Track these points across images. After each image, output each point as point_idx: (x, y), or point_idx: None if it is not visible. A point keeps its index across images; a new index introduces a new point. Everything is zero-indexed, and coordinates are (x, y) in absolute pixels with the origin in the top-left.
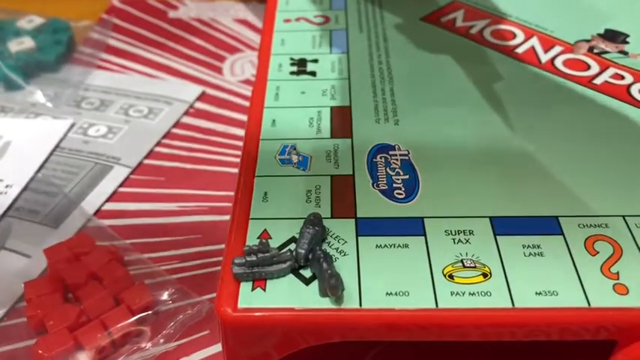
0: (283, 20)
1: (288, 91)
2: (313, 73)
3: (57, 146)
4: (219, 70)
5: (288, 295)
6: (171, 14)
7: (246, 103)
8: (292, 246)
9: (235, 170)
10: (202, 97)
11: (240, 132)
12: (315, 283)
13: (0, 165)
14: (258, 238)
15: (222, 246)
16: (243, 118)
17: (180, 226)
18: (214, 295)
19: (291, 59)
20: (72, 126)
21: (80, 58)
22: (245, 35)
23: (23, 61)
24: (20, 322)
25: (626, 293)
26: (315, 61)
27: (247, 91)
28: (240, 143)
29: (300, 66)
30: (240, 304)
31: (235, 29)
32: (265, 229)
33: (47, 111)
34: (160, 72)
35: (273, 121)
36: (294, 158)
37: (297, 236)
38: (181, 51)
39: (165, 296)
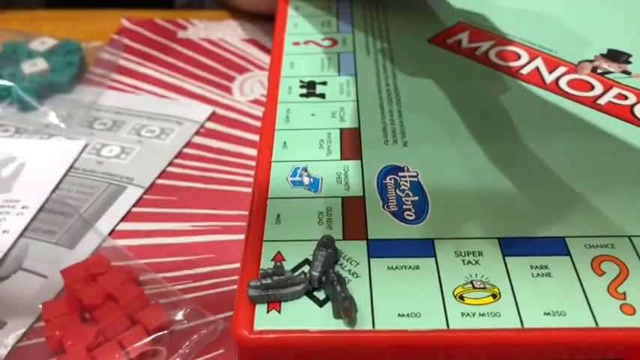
0: (292, 43)
1: (299, 113)
2: (322, 96)
3: (71, 167)
4: (228, 90)
5: (303, 317)
6: (181, 34)
7: (256, 123)
8: (306, 268)
9: (246, 189)
10: (213, 116)
11: (251, 151)
12: (328, 305)
13: (16, 186)
14: (272, 260)
15: (235, 265)
16: (254, 137)
17: (193, 246)
18: (228, 314)
19: (301, 82)
20: (85, 146)
21: (92, 79)
22: (253, 55)
23: (37, 82)
24: (39, 342)
25: (633, 313)
26: (324, 83)
27: (257, 110)
28: (251, 162)
29: (310, 88)
30: (256, 326)
31: (243, 49)
32: (279, 251)
33: (61, 132)
34: (170, 92)
35: (284, 143)
36: (306, 180)
37: (310, 258)
38: (191, 71)
39: (179, 316)
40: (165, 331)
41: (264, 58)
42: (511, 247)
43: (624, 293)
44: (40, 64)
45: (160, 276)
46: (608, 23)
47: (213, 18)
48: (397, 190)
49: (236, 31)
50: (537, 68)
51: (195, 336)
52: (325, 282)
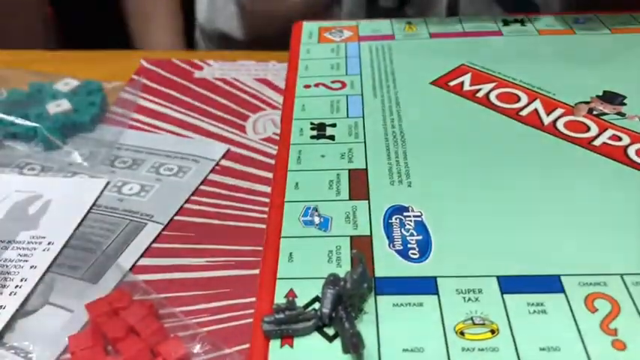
0: (303, 86)
1: (310, 154)
2: (332, 137)
3: (94, 204)
4: (242, 129)
5: (314, 352)
6: (197, 74)
7: (269, 160)
8: (317, 305)
9: (260, 225)
10: (227, 154)
11: (264, 188)
12: (338, 340)
13: (42, 223)
14: (285, 297)
15: (250, 299)
16: (266, 174)
17: (210, 281)
18: (244, 346)
19: (312, 124)
20: (107, 184)
21: (113, 118)
22: (265, 94)
23: (61, 122)
24: None
25: (624, 349)
26: (334, 125)
27: (269, 148)
28: (264, 199)
29: (320, 130)
30: None
31: (256, 88)
32: (291, 289)
33: (83, 170)
34: (187, 130)
35: (296, 183)
36: (316, 220)
37: (320, 295)
38: (207, 110)
39: (197, 349)
40: None
41: (276, 97)
42: (509, 284)
43: (615, 329)
44: (64, 105)
45: (178, 310)
46: (604, 66)
47: (228, 58)
48: (402, 230)
49: (249, 71)
50: (536, 110)
51: None
52: (335, 319)
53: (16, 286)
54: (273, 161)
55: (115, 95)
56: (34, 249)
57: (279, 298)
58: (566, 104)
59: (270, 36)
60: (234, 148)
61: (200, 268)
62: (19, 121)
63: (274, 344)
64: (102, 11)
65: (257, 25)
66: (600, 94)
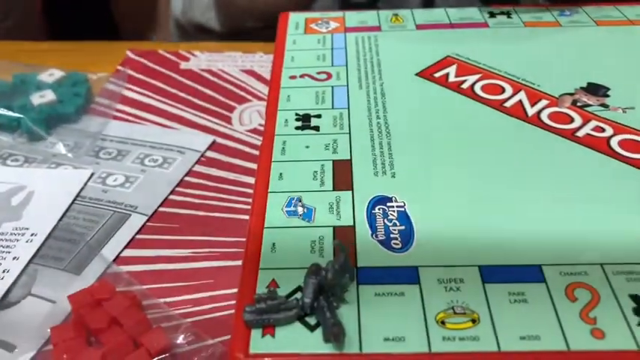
0: (289, 77)
1: (294, 145)
2: (317, 128)
3: (78, 195)
4: (228, 120)
5: (295, 342)
6: (183, 65)
7: (255, 152)
8: (299, 295)
9: (245, 217)
10: (213, 146)
11: (249, 180)
12: (319, 330)
13: (25, 214)
14: (266, 287)
15: (233, 290)
16: (252, 166)
17: (194, 272)
18: (227, 337)
19: (297, 114)
20: (91, 175)
21: (98, 109)
22: (252, 85)
23: (45, 113)
24: None
25: (603, 337)
26: (319, 116)
27: (255, 140)
28: (249, 190)
29: (305, 121)
30: (252, 350)
31: (242, 79)
32: (274, 279)
33: (68, 161)
34: (172, 122)
35: (280, 174)
36: (300, 210)
37: (302, 285)
38: (192, 101)
39: (180, 339)
40: (167, 354)
41: (262, 89)
42: (490, 274)
43: (595, 318)
44: (48, 96)
45: (161, 301)
46: (588, 58)
47: (214, 49)
48: (385, 220)
49: (236, 63)
50: (520, 101)
51: (195, 359)
52: (316, 308)
53: None
54: (258, 152)
55: (100, 86)
56: (17, 240)
57: (261, 288)
58: (551, 96)
59: (248, 28)
60: (219, 140)
61: (184, 259)
62: (3, 111)
63: (256, 333)
64: (95, 25)
65: (234, 17)
66: (584, 85)
